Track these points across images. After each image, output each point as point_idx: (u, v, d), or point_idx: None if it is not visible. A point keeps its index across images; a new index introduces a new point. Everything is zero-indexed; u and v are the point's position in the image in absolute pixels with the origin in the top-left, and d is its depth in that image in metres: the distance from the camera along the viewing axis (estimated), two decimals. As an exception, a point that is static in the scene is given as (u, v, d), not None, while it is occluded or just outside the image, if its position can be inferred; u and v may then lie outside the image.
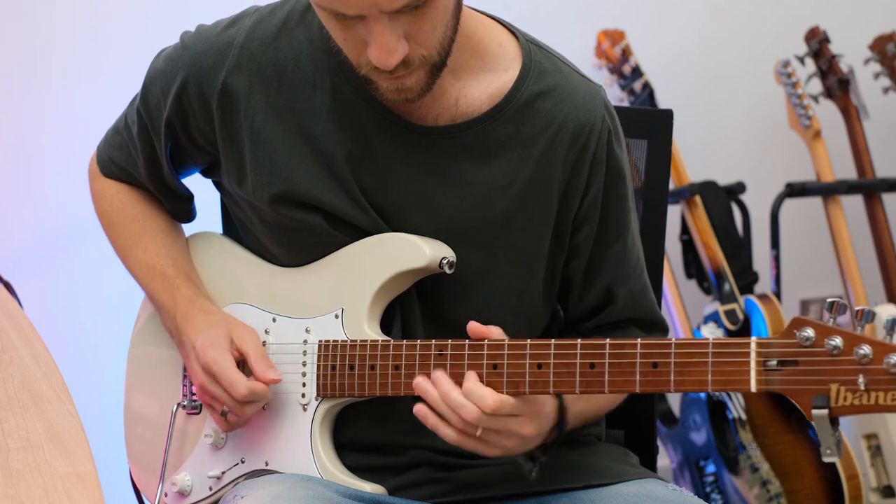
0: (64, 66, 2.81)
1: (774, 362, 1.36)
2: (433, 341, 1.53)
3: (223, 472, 1.67)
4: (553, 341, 1.47)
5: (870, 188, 3.14)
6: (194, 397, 1.70)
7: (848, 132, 3.16)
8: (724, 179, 3.14)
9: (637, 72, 3.09)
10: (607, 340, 1.44)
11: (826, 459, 1.35)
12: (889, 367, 1.30)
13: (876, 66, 3.22)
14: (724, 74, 3.33)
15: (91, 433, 1.31)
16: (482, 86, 1.59)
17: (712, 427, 2.95)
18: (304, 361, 1.62)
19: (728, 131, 3.35)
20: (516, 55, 1.61)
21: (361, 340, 1.58)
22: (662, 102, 3.11)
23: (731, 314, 2.99)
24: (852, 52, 3.20)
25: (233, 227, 1.75)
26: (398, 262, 1.58)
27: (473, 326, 1.51)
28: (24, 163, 2.81)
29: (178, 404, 1.70)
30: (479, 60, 1.59)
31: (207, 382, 1.61)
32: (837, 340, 1.33)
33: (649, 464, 1.83)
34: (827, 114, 3.18)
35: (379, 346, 1.56)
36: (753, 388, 1.37)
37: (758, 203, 3.17)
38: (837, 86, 3.15)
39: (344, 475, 1.59)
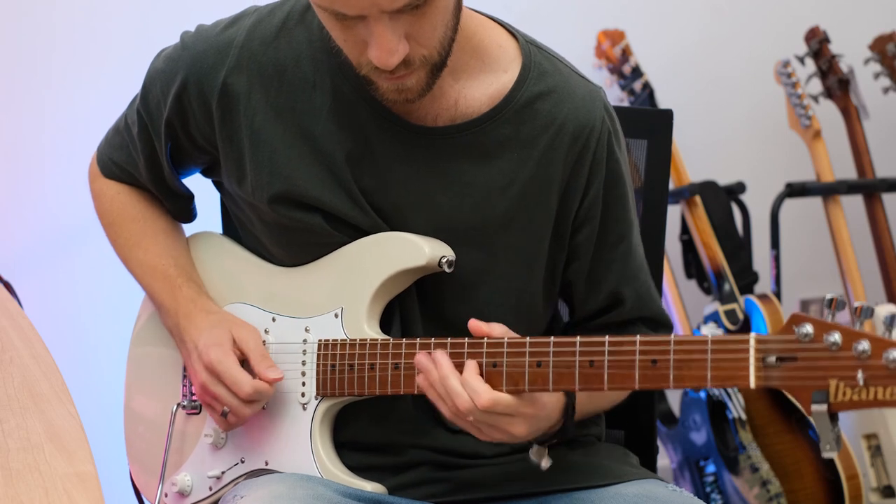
0: (64, 66, 2.81)
1: (773, 358, 1.36)
2: (433, 339, 1.53)
3: (223, 472, 1.67)
4: (552, 339, 1.47)
5: (870, 188, 3.14)
6: (194, 397, 1.70)
7: (848, 132, 3.16)
8: (724, 179, 3.14)
9: (637, 72, 3.09)
10: (606, 338, 1.44)
11: (825, 455, 1.36)
12: (888, 363, 1.30)
13: (876, 66, 3.22)
14: (724, 74, 3.32)
15: (91, 433, 1.31)
16: (482, 87, 1.59)
17: (712, 427, 2.95)
18: (304, 361, 1.62)
19: (728, 131, 3.35)
20: (516, 56, 1.61)
21: (361, 339, 1.58)
22: (662, 102, 3.11)
23: (731, 314, 2.99)
24: (852, 52, 3.19)
25: (232, 227, 1.75)
26: (397, 261, 1.58)
27: (474, 324, 1.51)
28: (24, 163, 2.81)
29: (178, 404, 1.70)
30: (479, 61, 1.59)
31: (209, 382, 1.61)
32: (836, 336, 1.33)
33: (649, 464, 1.83)
34: (827, 114, 3.18)
35: (378, 346, 1.56)
36: (752, 384, 1.37)
37: (758, 203, 3.17)
38: (837, 86, 3.15)
39: (344, 474, 1.59)
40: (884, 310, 2.97)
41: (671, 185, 3.03)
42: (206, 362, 1.60)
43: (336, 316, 1.61)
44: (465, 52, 1.57)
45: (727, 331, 2.97)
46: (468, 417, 1.48)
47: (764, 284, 3.14)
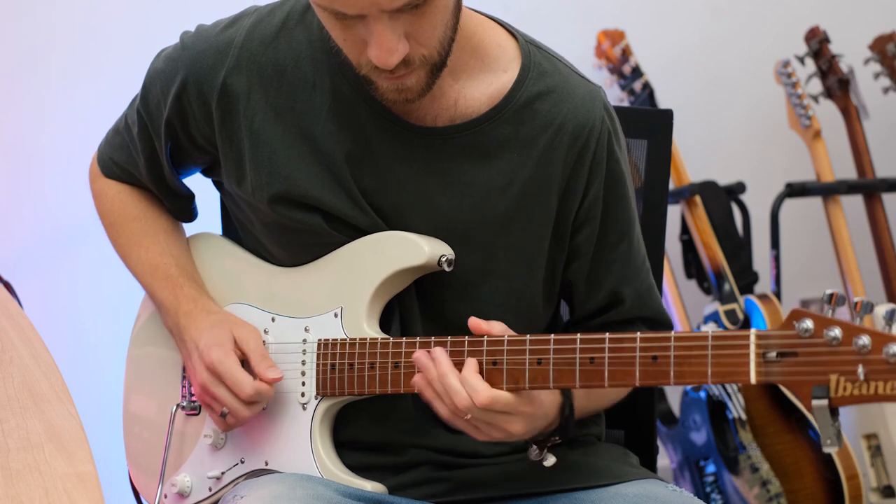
0: (64, 66, 2.81)
1: (774, 354, 1.36)
2: (432, 338, 1.53)
3: (223, 473, 1.67)
4: (552, 336, 1.47)
5: (870, 188, 3.14)
6: (193, 398, 1.70)
7: (848, 132, 3.16)
8: (724, 179, 3.14)
9: (637, 72, 3.09)
10: (606, 335, 1.44)
11: (826, 449, 1.36)
12: (888, 357, 1.30)
13: (876, 66, 3.22)
14: (724, 74, 3.33)
15: (91, 433, 1.31)
16: (481, 87, 1.59)
17: (712, 427, 2.95)
18: (304, 360, 1.62)
19: (728, 131, 3.35)
20: (515, 56, 1.61)
21: (360, 339, 1.58)
22: (662, 102, 3.11)
23: (731, 314, 2.99)
24: (852, 52, 3.19)
25: (232, 228, 1.75)
26: (397, 260, 1.58)
27: (474, 322, 1.51)
28: (24, 163, 2.81)
29: (178, 405, 1.70)
30: (479, 61, 1.59)
31: (210, 383, 1.60)
32: (836, 331, 1.33)
33: (649, 464, 1.83)
34: (827, 114, 3.18)
35: (378, 345, 1.56)
36: (753, 379, 1.37)
37: (758, 203, 3.17)
38: (837, 86, 3.15)
39: (344, 474, 1.59)
40: (883, 309, 2.97)
41: (671, 185, 3.03)
42: (208, 363, 1.60)
43: (336, 315, 1.61)
44: (465, 52, 1.57)
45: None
46: (466, 416, 1.48)
47: (764, 284, 3.15)
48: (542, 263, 1.63)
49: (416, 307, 1.62)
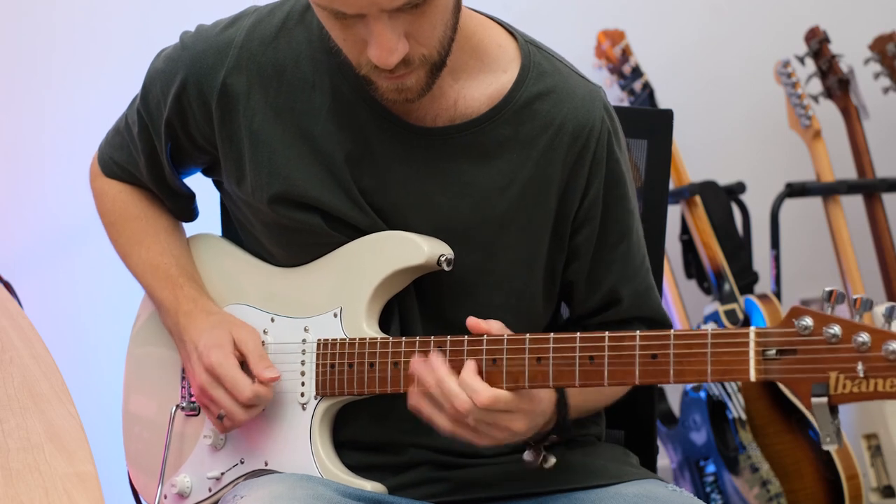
0: (64, 66, 2.81)
1: (773, 351, 1.36)
2: (432, 338, 1.53)
3: (222, 473, 1.67)
4: (552, 335, 1.47)
5: (870, 188, 3.14)
6: (193, 398, 1.70)
7: (848, 132, 3.16)
8: (724, 179, 3.14)
9: (637, 72, 3.09)
10: (606, 333, 1.44)
11: (825, 447, 1.36)
12: (888, 354, 1.30)
13: (876, 66, 3.22)
14: (724, 74, 3.33)
15: (91, 433, 1.31)
16: (481, 87, 1.59)
17: (712, 427, 2.95)
18: (303, 360, 1.62)
19: (728, 131, 3.35)
20: (515, 56, 1.61)
21: (360, 339, 1.58)
22: (662, 102, 3.11)
23: (731, 314, 2.99)
24: (852, 52, 3.20)
25: (232, 228, 1.75)
26: (396, 259, 1.58)
27: (473, 322, 1.51)
28: (24, 163, 2.81)
29: (177, 405, 1.70)
30: (479, 61, 1.59)
31: (208, 385, 1.60)
32: (836, 328, 1.33)
33: (649, 464, 1.83)
34: (827, 114, 3.18)
35: (378, 344, 1.56)
36: (753, 377, 1.37)
37: (758, 203, 3.17)
38: (837, 86, 3.15)
39: (344, 474, 1.59)
40: (883, 307, 2.96)
41: (671, 185, 3.03)
42: (207, 364, 1.60)
43: (335, 315, 1.61)
44: (465, 52, 1.57)
45: (727, 330, 2.97)
46: (467, 419, 1.47)
47: (764, 284, 3.15)
48: (541, 263, 1.63)
49: (415, 307, 1.62)
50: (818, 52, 3.17)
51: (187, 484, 1.69)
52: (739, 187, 3.14)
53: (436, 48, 1.48)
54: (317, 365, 1.61)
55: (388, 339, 1.57)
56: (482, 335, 1.50)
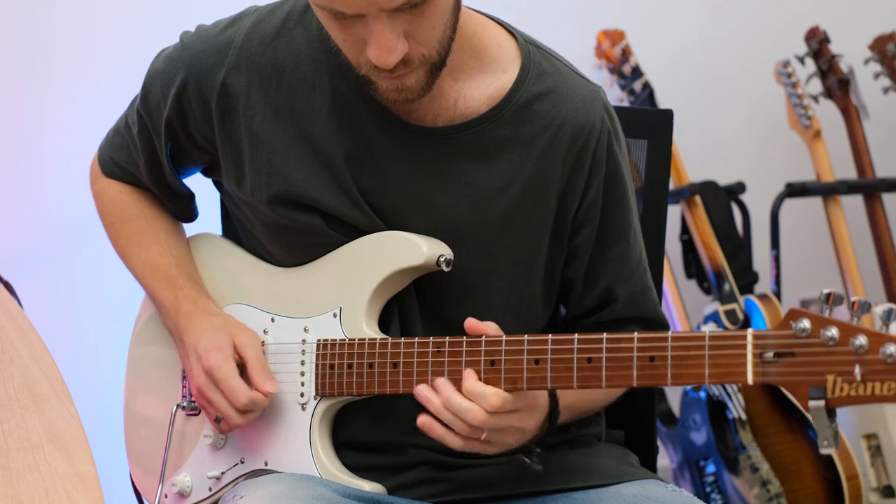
0: (64, 66, 2.81)
1: (771, 354, 1.36)
2: (431, 339, 1.53)
3: (223, 473, 1.67)
4: (550, 336, 1.47)
5: (870, 188, 3.14)
6: (193, 398, 1.70)
7: (848, 132, 3.16)
8: (724, 179, 3.14)
9: (637, 72, 3.09)
10: (604, 335, 1.44)
11: (823, 451, 1.35)
12: (885, 358, 1.30)
13: (876, 66, 3.22)
14: (724, 74, 3.33)
15: (91, 433, 1.31)
16: (481, 87, 1.59)
17: (712, 427, 2.95)
18: (303, 361, 1.62)
19: (728, 131, 3.35)
20: (515, 56, 1.61)
21: (360, 339, 1.58)
22: (662, 102, 3.11)
23: (731, 314, 2.99)
24: (852, 52, 3.20)
25: (232, 228, 1.75)
26: (396, 260, 1.58)
27: (471, 323, 1.51)
28: (24, 163, 2.81)
29: (178, 405, 1.70)
30: (478, 61, 1.59)
31: (206, 387, 1.60)
32: (833, 331, 1.33)
33: (649, 464, 1.83)
34: (827, 114, 3.18)
35: (377, 345, 1.56)
36: (750, 380, 1.37)
37: (758, 203, 3.17)
38: (837, 86, 3.15)
39: (343, 474, 1.59)
40: (882, 308, 2.96)
41: (671, 185, 3.03)
42: (206, 367, 1.60)
43: (335, 316, 1.61)
44: (465, 52, 1.57)
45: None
46: (482, 435, 1.48)
47: (764, 284, 3.15)
48: (541, 263, 1.63)
49: (415, 307, 1.62)
50: (818, 52, 3.17)
51: (187, 483, 1.69)
52: (739, 187, 3.14)
53: (435, 48, 1.48)
54: (316, 365, 1.61)
55: (387, 339, 1.57)
56: (480, 336, 1.50)
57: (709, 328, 3.00)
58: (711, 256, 3.03)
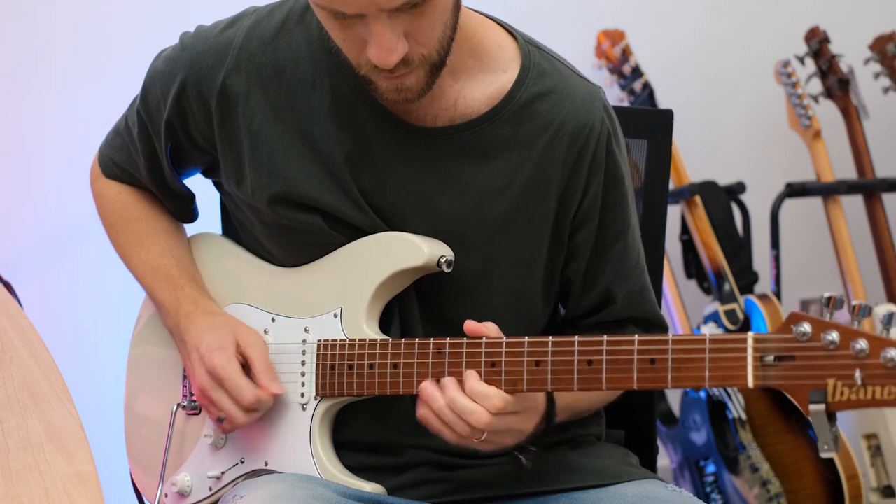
0: (64, 66, 2.81)
1: (771, 358, 1.36)
2: (431, 340, 1.53)
3: (223, 473, 1.67)
4: (550, 338, 1.47)
5: (870, 188, 3.14)
6: (194, 398, 1.70)
7: (848, 132, 3.16)
8: (724, 179, 3.14)
9: (637, 72, 3.09)
10: (604, 337, 1.44)
11: (823, 455, 1.35)
12: (886, 362, 1.30)
13: (876, 66, 3.22)
14: (724, 74, 3.33)
15: (91, 433, 1.31)
16: (481, 87, 1.59)
17: (712, 427, 2.95)
18: (303, 361, 1.62)
19: (728, 131, 3.35)
20: (515, 56, 1.61)
21: (360, 340, 1.58)
22: (662, 102, 3.11)
23: (731, 314, 2.99)
24: (852, 52, 3.19)
25: (232, 228, 1.75)
26: (396, 260, 1.58)
27: (470, 325, 1.51)
28: (24, 163, 2.81)
29: (178, 405, 1.70)
30: (478, 61, 1.59)
31: (209, 387, 1.60)
32: (834, 335, 1.33)
33: (649, 464, 1.83)
34: (827, 114, 3.18)
35: (378, 346, 1.56)
36: (751, 383, 1.37)
37: (758, 203, 3.17)
38: (837, 86, 3.15)
39: (343, 475, 1.59)
40: (883, 310, 2.97)
41: (671, 185, 3.03)
42: (209, 366, 1.60)
43: (335, 316, 1.61)
44: (465, 52, 1.57)
45: (727, 331, 2.97)
46: (482, 436, 1.48)
47: (764, 284, 3.15)
48: (541, 264, 1.63)
49: (415, 308, 1.62)
50: (818, 52, 3.17)
51: (188, 483, 1.69)
52: (739, 187, 3.14)
53: (435, 48, 1.48)
54: (317, 366, 1.61)
55: (387, 340, 1.57)
56: (480, 338, 1.50)
57: (709, 328, 3.00)
58: (711, 256, 3.03)
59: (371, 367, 1.56)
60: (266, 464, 1.64)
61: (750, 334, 1.37)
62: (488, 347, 1.49)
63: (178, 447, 1.71)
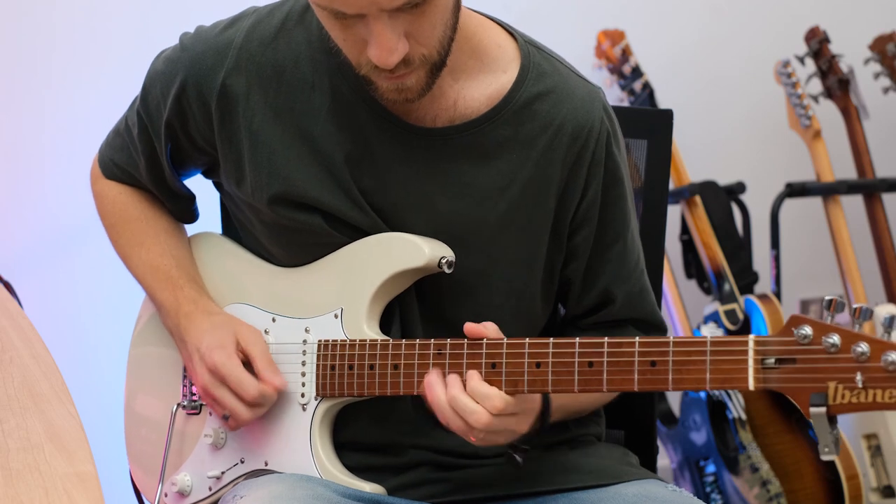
0: (64, 66, 2.81)
1: (772, 360, 1.36)
2: (432, 341, 1.53)
3: (223, 472, 1.67)
4: (551, 340, 1.47)
5: (870, 188, 3.14)
6: (194, 397, 1.70)
7: (848, 132, 3.16)
8: (724, 179, 3.14)
9: (637, 72, 3.09)
10: (605, 339, 1.44)
11: (824, 457, 1.35)
12: (887, 365, 1.30)
13: (876, 66, 3.22)
14: (724, 74, 3.33)
15: (91, 433, 1.31)
16: (481, 87, 1.59)
17: (712, 427, 2.95)
18: (304, 361, 1.62)
19: (728, 131, 3.35)
20: (515, 56, 1.61)
21: (360, 340, 1.58)
22: (662, 102, 3.11)
23: (731, 314, 2.99)
24: (852, 52, 3.20)
25: (232, 228, 1.75)
26: (397, 261, 1.58)
27: (470, 327, 1.51)
28: (24, 163, 2.81)
29: (178, 404, 1.70)
30: (478, 62, 1.59)
31: (212, 385, 1.60)
32: (835, 338, 1.33)
33: (649, 464, 1.83)
34: (827, 114, 3.18)
35: (378, 346, 1.56)
36: (751, 386, 1.37)
37: (758, 203, 3.17)
38: (837, 86, 3.15)
39: (343, 475, 1.59)
40: (883, 310, 2.97)
41: (671, 185, 3.03)
42: (210, 365, 1.60)
43: (336, 316, 1.61)
44: (464, 53, 1.57)
45: (727, 331, 2.97)
46: (480, 434, 1.48)
47: (764, 284, 3.15)
48: (540, 264, 1.63)
49: (416, 308, 1.62)
50: (818, 52, 3.17)
51: (188, 483, 1.69)
52: (739, 187, 3.14)
53: (436, 48, 1.48)
54: (317, 366, 1.61)
55: (388, 340, 1.57)
56: (481, 339, 1.50)
57: (709, 328, 3.00)
58: (711, 256, 3.03)
59: (371, 367, 1.56)
60: (266, 464, 1.64)
61: (751, 337, 1.37)
62: (489, 348, 1.49)
63: (178, 447, 1.71)
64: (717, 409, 2.96)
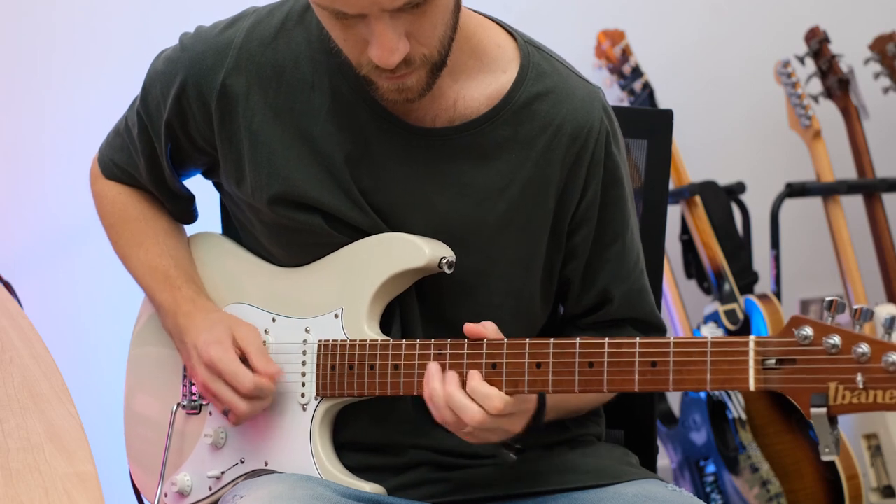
0: (64, 66, 2.81)
1: (773, 361, 1.36)
2: (432, 341, 1.53)
3: (223, 472, 1.67)
4: (552, 340, 1.47)
5: (870, 188, 3.14)
6: (194, 397, 1.70)
7: (848, 132, 3.16)
8: (724, 179, 3.14)
9: (637, 72, 3.09)
10: (606, 340, 1.44)
11: (824, 458, 1.35)
12: (887, 366, 1.30)
13: (876, 66, 3.22)
14: (724, 74, 3.33)
15: (91, 433, 1.31)
16: (480, 87, 1.59)
17: (712, 427, 2.95)
18: (304, 361, 1.62)
19: (728, 131, 3.35)
20: (514, 56, 1.61)
21: (361, 340, 1.58)
22: (662, 102, 3.11)
23: (731, 314, 2.99)
24: (852, 52, 3.20)
25: (232, 228, 1.75)
26: (398, 261, 1.58)
27: (469, 328, 1.51)
28: (24, 163, 2.81)
29: (178, 404, 1.70)
30: (478, 62, 1.59)
31: (209, 380, 1.60)
32: (836, 339, 1.33)
33: (649, 464, 1.83)
34: (827, 114, 3.18)
35: (378, 346, 1.56)
36: (752, 386, 1.37)
37: (758, 203, 3.17)
38: (837, 86, 3.15)
39: (343, 475, 1.59)
40: (884, 310, 2.97)
41: (671, 185, 3.03)
42: (206, 360, 1.60)
43: (336, 316, 1.61)
44: (464, 53, 1.57)
45: (727, 331, 2.97)
46: (472, 430, 1.48)
47: (764, 284, 3.15)
48: (539, 264, 1.63)
49: (416, 309, 1.62)
50: (818, 52, 3.17)
51: (187, 482, 1.69)
52: (739, 187, 3.14)
53: (436, 48, 1.48)
54: (317, 366, 1.61)
55: (388, 341, 1.57)
56: (481, 339, 1.50)
57: (709, 328, 3.00)
58: (711, 256, 3.03)
59: (372, 367, 1.56)
60: (266, 464, 1.64)
61: (751, 337, 1.37)
62: (489, 348, 1.49)
63: (178, 447, 1.71)
64: (717, 409, 2.96)
